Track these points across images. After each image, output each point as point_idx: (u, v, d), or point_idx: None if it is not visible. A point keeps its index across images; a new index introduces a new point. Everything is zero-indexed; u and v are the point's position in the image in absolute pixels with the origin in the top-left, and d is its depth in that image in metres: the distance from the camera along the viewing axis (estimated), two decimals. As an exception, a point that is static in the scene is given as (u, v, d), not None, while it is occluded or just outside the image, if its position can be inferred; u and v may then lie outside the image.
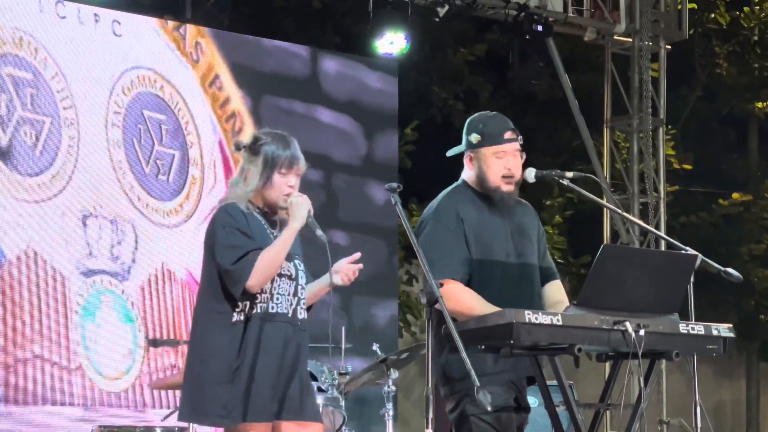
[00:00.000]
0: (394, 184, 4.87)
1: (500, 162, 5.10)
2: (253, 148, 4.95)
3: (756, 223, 15.64)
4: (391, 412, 7.00)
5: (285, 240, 4.84)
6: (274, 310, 4.86)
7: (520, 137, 5.16)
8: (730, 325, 5.00)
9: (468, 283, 5.01)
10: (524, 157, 5.18)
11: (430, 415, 4.50)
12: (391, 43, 10.35)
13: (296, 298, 4.93)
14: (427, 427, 4.50)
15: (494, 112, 5.25)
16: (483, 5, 10.74)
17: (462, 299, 4.89)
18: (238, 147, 5.03)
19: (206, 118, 8.73)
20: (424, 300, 4.60)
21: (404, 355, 6.96)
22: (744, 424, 16.69)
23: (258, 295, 4.82)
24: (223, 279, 4.81)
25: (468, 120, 5.24)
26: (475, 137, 5.13)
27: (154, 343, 7.22)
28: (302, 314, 4.95)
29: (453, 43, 14.05)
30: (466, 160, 5.18)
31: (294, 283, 4.92)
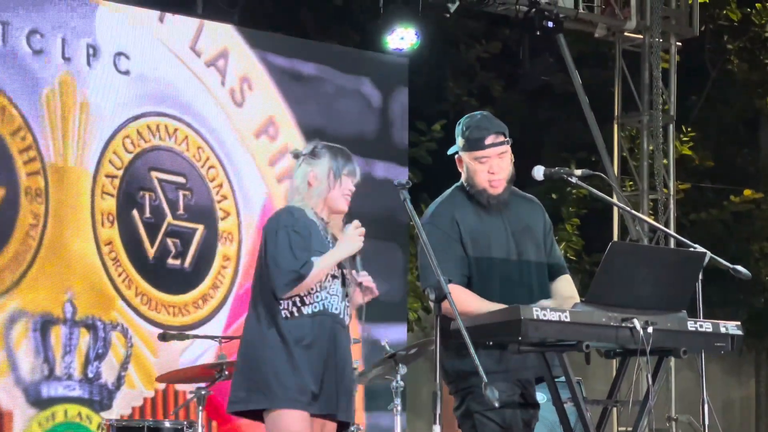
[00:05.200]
0: (404, 180, 4.91)
1: (484, 167, 5.12)
2: (315, 153, 5.14)
3: (767, 220, 15.62)
4: (399, 408, 7.02)
5: (326, 263, 5.01)
6: (326, 308, 5.06)
7: (506, 139, 5.15)
8: (739, 323, 5.01)
9: (468, 285, 5.04)
10: (512, 158, 5.20)
11: (438, 411, 4.53)
12: (402, 38, 10.36)
13: (344, 303, 5.13)
14: (435, 423, 4.52)
15: (482, 114, 5.25)
16: (494, 1, 10.75)
17: (462, 301, 4.90)
18: (296, 155, 5.17)
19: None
20: (432, 296, 4.64)
21: (413, 351, 6.97)
22: (753, 422, 16.68)
23: (321, 293, 5.05)
24: (272, 279, 4.98)
25: (459, 122, 5.27)
26: (460, 141, 5.18)
27: (163, 336, 7.22)
28: (348, 318, 5.17)
29: (465, 39, 14.05)
30: (457, 162, 5.23)
31: (345, 288, 5.13)
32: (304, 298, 5.03)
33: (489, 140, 5.12)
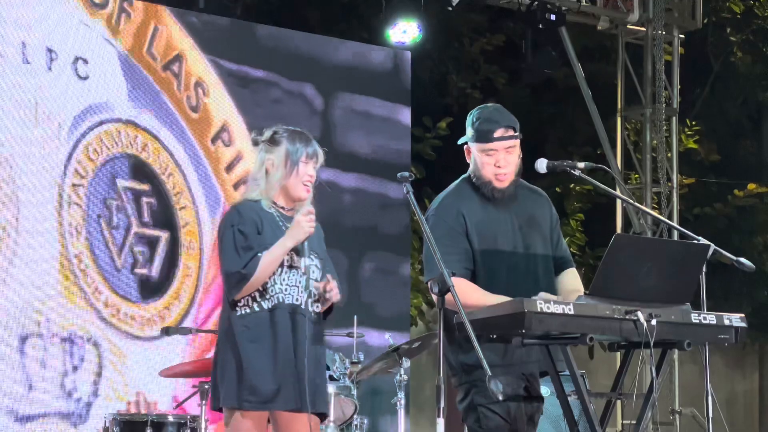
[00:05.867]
0: (406, 174, 4.89)
1: (491, 159, 5.10)
2: (274, 139, 5.05)
3: (770, 213, 15.61)
4: (402, 401, 7.01)
5: (274, 255, 4.93)
6: (282, 300, 4.97)
7: (516, 132, 5.13)
8: (742, 315, 5.00)
9: (473, 278, 5.03)
10: (520, 153, 5.17)
11: (442, 404, 4.51)
12: (404, 32, 10.35)
13: (307, 291, 5.03)
14: (439, 416, 4.51)
15: (494, 106, 5.23)
16: (496, -6, 10.75)
17: (464, 293, 4.87)
18: (255, 142, 5.09)
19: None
20: (435, 289, 4.62)
21: (416, 344, 6.97)
22: (756, 415, 16.67)
23: (276, 286, 4.97)
24: (223, 282, 4.97)
25: (470, 112, 5.25)
26: (469, 132, 5.16)
27: (166, 331, 7.21)
28: (315, 307, 5.06)
29: (468, 32, 14.03)
30: (465, 152, 5.21)
31: (305, 277, 5.03)
32: (262, 293, 4.95)
33: (498, 133, 5.10)
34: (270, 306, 4.96)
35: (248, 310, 4.96)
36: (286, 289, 4.98)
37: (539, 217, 5.28)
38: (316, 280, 5.05)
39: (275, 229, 4.99)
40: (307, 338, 4.97)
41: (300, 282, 5.01)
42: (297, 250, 5.00)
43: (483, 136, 5.10)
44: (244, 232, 4.94)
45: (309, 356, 4.97)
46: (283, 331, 4.94)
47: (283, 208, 5.07)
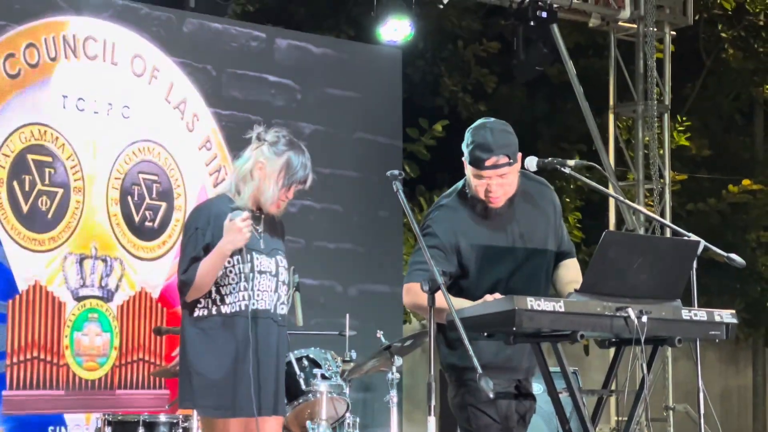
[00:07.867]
0: (396, 172, 4.84)
1: (483, 183, 4.96)
2: (276, 148, 4.92)
3: (763, 209, 15.61)
4: (395, 399, 7.00)
5: (211, 262, 4.80)
6: (255, 307, 4.88)
7: (510, 160, 4.93)
8: (733, 311, 4.98)
9: (468, 294, 4.95)
10: (514, 176, 5.02)
11: (433, 402, 4.50)
12: (396, 30, 10.32)
13: (276, 294, 4.96)
14: (430, 414, 4.50)
15: (492, 126, 4.98)
16: (487, -8, 10.74)
17: (420, 296, 4.74)
18: (259, 138, 4.95)
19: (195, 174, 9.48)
20: (426, 287, 4.59)
21: (408, 342, 6.95)
22: (750, 411, 16.69)
23: (241, 293, 4.85)
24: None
25: (469, 127, 5.11)
26: (464, 149, 5.04)
27: (158, 331, 7.25)
28: (282, 310, 4.98)
29: (462, 34, 14.00)
30: (463, 161, 5.09)
31: (275, 279, 4.95)
32: (225, 297, 4.86)
33: (489, 162, 4.92)
34: (230, 311, 4.84)
35: (205, 313, 4.86)
36: (257, 295, 4.87)
37: (545, 213, 5.13)
38: (284, 282, 4.97)
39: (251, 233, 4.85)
40: (276, 343, 4.89)
41: (270, 286, 4.92)
42: (266, 253, 4.92)
43: (474, 162, 4.94)
44: (206, 238, 4.81)
45: (279, 361, 4.92)
46: (242, 338, 4.82)
47: (252, 210, 4.92)
